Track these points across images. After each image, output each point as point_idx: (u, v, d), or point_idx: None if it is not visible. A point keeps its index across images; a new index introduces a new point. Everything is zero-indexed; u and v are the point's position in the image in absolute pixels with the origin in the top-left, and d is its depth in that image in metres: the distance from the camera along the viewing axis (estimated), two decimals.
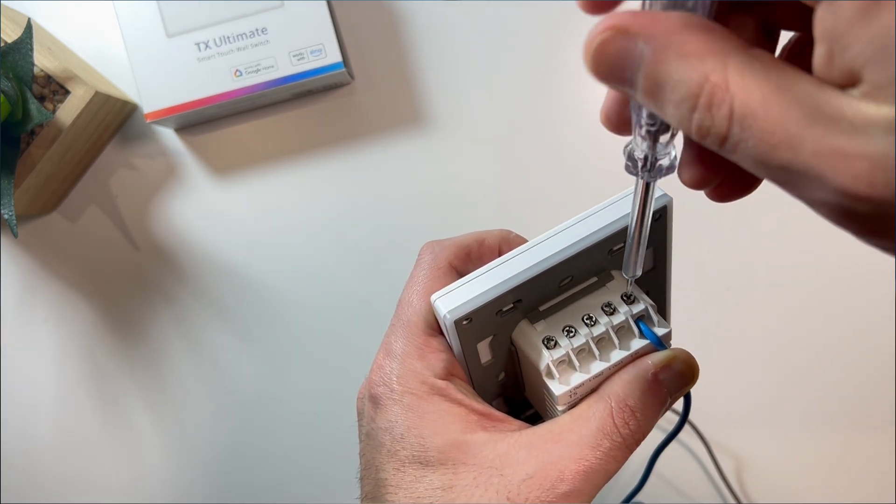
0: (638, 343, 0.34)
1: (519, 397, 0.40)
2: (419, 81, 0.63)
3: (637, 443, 0.33)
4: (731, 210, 0.60)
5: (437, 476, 0.32)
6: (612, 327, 0.34)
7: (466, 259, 0.37)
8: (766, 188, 0.26)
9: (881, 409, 0.60)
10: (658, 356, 0.33)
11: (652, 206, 0.29)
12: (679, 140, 0.25)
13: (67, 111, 0.57)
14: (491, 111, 0.63)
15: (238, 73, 0.59)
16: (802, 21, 0.24)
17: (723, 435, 0.60)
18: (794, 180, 0.20)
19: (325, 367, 0.63)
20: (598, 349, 0.34)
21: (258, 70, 0.59)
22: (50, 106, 0.57)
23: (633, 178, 0.27)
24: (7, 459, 0.64)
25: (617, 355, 0.34)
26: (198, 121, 0.63)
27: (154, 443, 0.63)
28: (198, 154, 0.64)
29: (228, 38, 0.59)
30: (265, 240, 0.63)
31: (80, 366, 0.63)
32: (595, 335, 0.34)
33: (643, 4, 0.22)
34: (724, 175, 0.27)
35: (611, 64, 0.22)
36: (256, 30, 0.59)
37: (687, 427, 0.59)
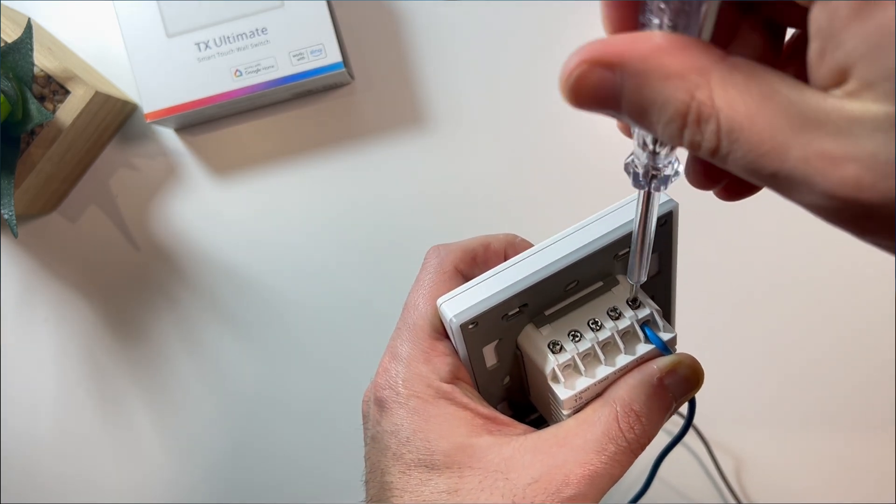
0: (643, 348, 0.34)
1: (524, 401, 0.40)
2: (419, 81, 0.63)
3: (642, 447, 0.33)
4: (728, 211, 0.60)
5: (443, 479, 0.33)
6: (618, 332, 0.34)
7: (472, 263, 0.37)
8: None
9: (881, 409, 0.60)
10: (663, 361, 0.34)
11: (656, 213, 0.29)
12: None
13: (67, 111, 0.57)
14: (491, 111, 0.63)
15: (238, 73, 0.59)
16: (805, 19, 0.25)
17: (723, 435, 0.60)
18: (785, 186, 0.20)
19: (325, 367, 0.63)
20: (603, 354, 0.34)
21: (258, 70, 0.59)
22: (50, 106, 0.57)
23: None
24: (7, 459, 0.63)
25: (622, 360, 0.34)
26: (198, 121, 0.63)
27: (154, 443, 0.63)
28: (198, 154, 0.63)
29: (228, 38, 0.59)
30: (265, 240, 0.63)
31: (80, 366, 0.63)
32: (601, 340, 0.34)
33: (641, 20, 0.22)
34: (730, 176, 0.27)
35: (591, 96, 0.22)
36: (256, 30, 0.59)
37: None
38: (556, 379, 0.34)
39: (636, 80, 0.21)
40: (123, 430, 0.63)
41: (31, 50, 0.53)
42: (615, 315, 0.35)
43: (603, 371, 0.34)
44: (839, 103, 0.19)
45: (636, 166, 0.26)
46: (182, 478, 0.63)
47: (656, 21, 0.21)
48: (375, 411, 0.36)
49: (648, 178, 0.27)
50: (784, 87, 0.20)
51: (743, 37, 0.26)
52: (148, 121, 0.59)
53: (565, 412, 0.34)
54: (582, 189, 0.62)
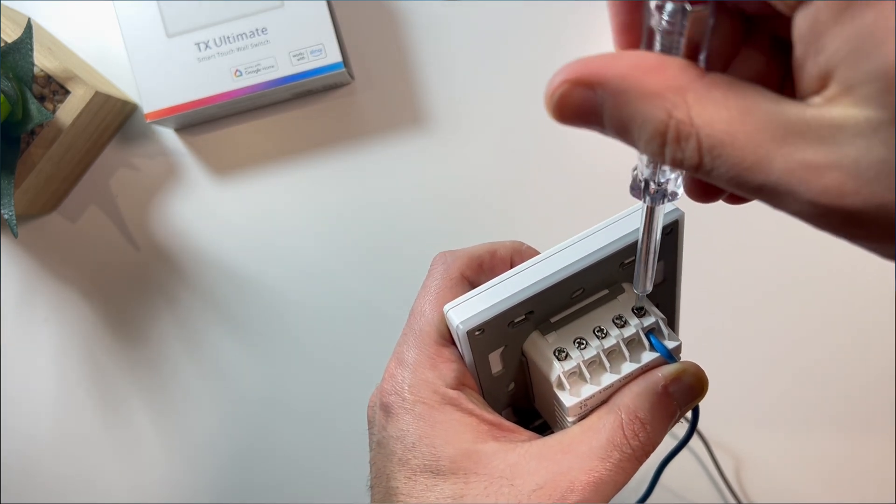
0: (648, 356, 0.34)
1: (528, 407, 0.40)
2: (419, 81, 0.63)
3: (646, 455, 0.33)
4: (725, 213, 0.60)
5: (448, 485, 0.33)
6: (623, 340, 0.34)
7: (478, 270, 0.38)
8: None
9: (881, 410, 0.60)
10: (668, 369, 0.34)
11: (661, 225, 0.29)
12: None
13: (67, 111, 0.57)
14: (491, 111, 0.63)
15: (238, 73, 0.59)
16: None
17: (723, 435, 0.61)
18: (771, 197, 0.20)
19: (325, 367, 0.63)
20: (608, 361, 0.34)
21: (258, 70, 0.59)
22: (50, 106, 0.57)
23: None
24: (7, 459, 0.63)
25: (627, 367, 0.34)
26: (198, 121, 0.63)
27: (154, 443, 0.63)
28: (198, 154, 0.63)
29: (228, 38, 0.59)
30: (265, 239, 0.63)
31: (80, 366, 0.63)
32: (606, 347, 0.34)
33: (644, 43, 0.23)
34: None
35: (574, 114, 0.22)
36: (256, 30, 0.59)
37: None
38: (561, 386, 0.34)
39: (616, 99, 0.21)
40: (123, 430, 0.63)
41: (31, 50, 0.53)
42: (620, 323, 0.35)
43: (608, 378, 0.34)
44: (819, 112, 0.19)
45: (640, 180, 0.27)
46: (182, 478, 0.63)
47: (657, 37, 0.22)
48: (381, 417, 0.36)
49: (651, 192, 0.27)
50: (764, 101, 0.20)
51: (746, 54, 0.26)
52: (148, 121, 0.59)
53: (570, 419, 0.34)
54: (582, 189, 0.62)
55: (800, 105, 0.19)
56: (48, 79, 0.57)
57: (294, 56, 0.59)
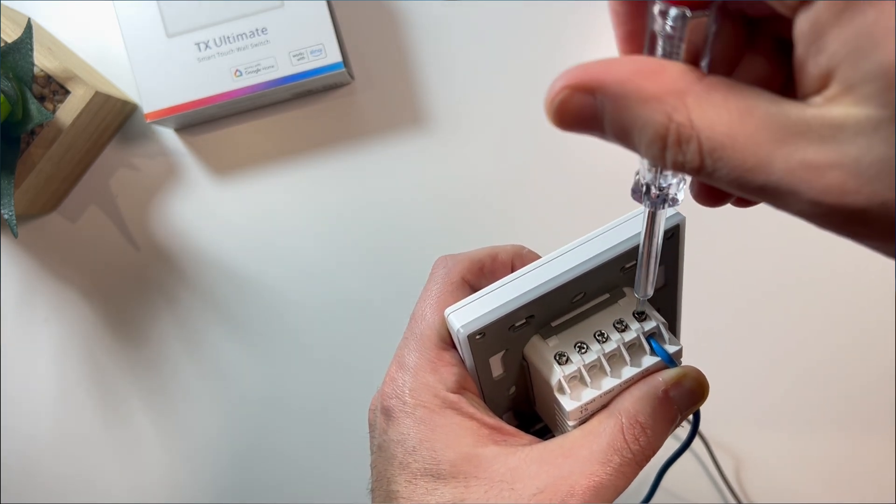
0: (649, 360, 0.34)
1: (529, 411, 0.40)
2: (419, 81, 0.63)
3: (647, 459, 0.33)
4: (725, 214, 0.60)
5: (449, 489, 0.33)
6: (624, 344, 0.34)
7: (479, 274, 0.38)
8: None
9: (881, 410, 0.60)
10: (669, 373, 0.34)
11: (662, 229, 0.29)
12: None
13: (67, 111, 0.57)
14: (491, 111, 0.63)
15: (238, 73, 0.59)
16: None
17: (723, 435, 0.61)
18: (773, 198, 0.20)
19: (325, 367, 0.63)
20: (609, 365, 0.34)
21: (258, 70, 0.59)
22: (50, 106, 0.57)
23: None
24: (7, 459, 0.64)
25: (628, 372, 0.34)
26: (198, 121, 0.63)
27: (154, 443, 0.63)
28: (198, 154, 0.63)
29: (228, 38, 0.59)
30: (265, 239, 0.63)
31: (80, 366, 0.63)
32: (607, 352, 0.34)
33: (647, 48, 0.23)
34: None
35: (574, 120, 0.22)
36: (256, 30, 0.59)
37: None
38: (562, 390, 0.34)
39: (615, 104, 0.21)
40: (123, 430, 0.63)
41: (31, 50, 0.53)
42: (621, 327, 0.35)
43: (609, 383, 0.34)
44: (820, 111, 0.19)
45: (641, 184, 0.27)
46: (182, 478, 0.63)
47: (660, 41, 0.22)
48: (382, 420, 0.36)
49: (653, 196, 0.27)
50: (764, 102, 0.20)
51: (750, 58, 0.26)
52: (148, 121, 0.59)
53: (571, 423, 0.34)
54: (583, 189, 0.62)
55: (800, 105, 0.19)
56: (48, 79, 0.57)
57: (294, 56, 0.59)
